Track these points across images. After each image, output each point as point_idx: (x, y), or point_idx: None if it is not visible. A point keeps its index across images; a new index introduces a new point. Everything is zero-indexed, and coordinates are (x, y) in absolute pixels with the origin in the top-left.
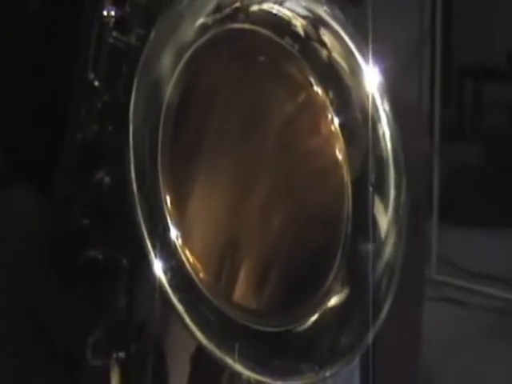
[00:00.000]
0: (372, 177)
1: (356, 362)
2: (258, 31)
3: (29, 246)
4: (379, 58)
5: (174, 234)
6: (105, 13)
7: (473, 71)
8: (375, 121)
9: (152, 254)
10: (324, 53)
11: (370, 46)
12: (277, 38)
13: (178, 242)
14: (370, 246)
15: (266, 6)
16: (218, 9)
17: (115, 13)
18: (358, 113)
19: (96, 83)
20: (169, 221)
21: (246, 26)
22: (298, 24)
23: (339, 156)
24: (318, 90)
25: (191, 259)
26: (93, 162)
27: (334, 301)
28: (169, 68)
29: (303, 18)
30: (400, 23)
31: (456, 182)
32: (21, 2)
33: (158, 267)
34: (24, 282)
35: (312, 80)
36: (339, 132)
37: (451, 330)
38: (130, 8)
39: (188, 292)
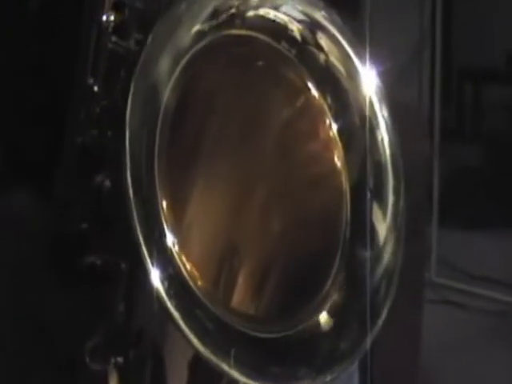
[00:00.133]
0: (370, 182)
1: (355, 366)
2: (255, 37)
3: (27, 249)
4: (378, 60)
5: (170, 240)
6: (104, 18)
7: (473, 72)
8: (374, 126)
9: (149, 262)
10: (321, 57)
11: (368, 49)
12: (274, 43)
13: (175, 249)
14: (368, 252)
15: (262, 12)
16: (215, 15)
17: (114, 18)
18: (356, 118)
19: (95, 88)
20: (165, 226)
21: (243, 31)
22: (295, 28)
23: (337, 161)
24: (315, 94)
25: (188, 266)
26: (92, 166)
27: (332, 306)
28: (166, 73)
29: (299, 22)
30: (400, 25)
31: (456, 183)
32: (20, 8)
33: (155, 276)
34: (22, 285)
35: (310, 84)
36: (337, 137)
37: (451, 333)
38: (128, 13)
39: (184, 299)
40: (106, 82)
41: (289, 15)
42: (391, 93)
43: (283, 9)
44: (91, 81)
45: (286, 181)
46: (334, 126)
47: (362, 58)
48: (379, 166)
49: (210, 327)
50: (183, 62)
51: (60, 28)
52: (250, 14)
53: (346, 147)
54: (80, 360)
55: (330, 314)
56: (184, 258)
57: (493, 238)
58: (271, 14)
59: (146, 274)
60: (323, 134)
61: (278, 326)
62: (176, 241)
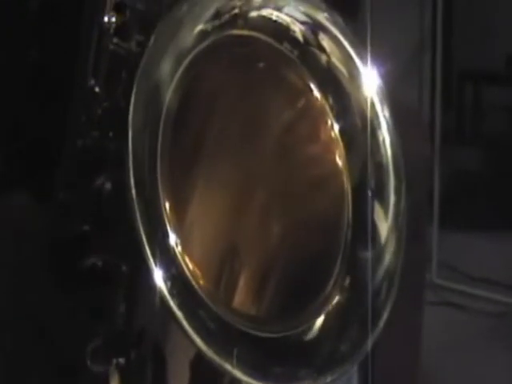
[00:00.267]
0: (372, 183)
1: (355, 367)
2: (257, 37)
3: (28, 250)
4: (379, 62)
5: (173, 240)
6: (105, 19)
7: (473, 74)
8: (375, 127)
9: (152, 262)
10: (323, 58)
11: (369, 50)
12: (276, 44)
13: (178, 249)
14: (369, 253)
15: (264, 12)
16: (217, 15)
17: (115, 19)
18: (357, 119)
19: (96, 89)
20: (168, 227)
21: (245, 32)
22: (297, 30)
23: (339, 162)
24: (317, 95)
25: (190, 266)
26: (93, 167)
27: (333, 307)
28: (168, 73)
29: (302, 23)
30: (400, 26)
31: (456, 185)
32: (20, 9)
33: (158, 276)
34: (23, 287)
35: (311, 85)
36: (339, 138)
37: (451, 334)
38: (130, 14)
39: (187, 298)
40: (107, 83)
41: (291, 16)
42: (392, 94)
43: (286, 10)
44: (92, 82)
45: (287, 182)
46: (336, 127)
47: (363, 58)
48: (381, 167)
49: (213, 327)
50: (186, 61)
51: (61, 29)
52: (253, 14)
53: (348, 148)
54: (81, 362)
55: (331, 315)
56: (187, 258)
57: (493, 239)
58: (274, 14)
59: (146, 275)
60: (325, 134)
61: (280, 326)
62: (179, 241)
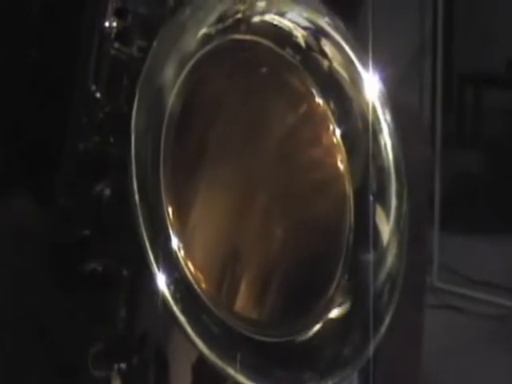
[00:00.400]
0: (373, 187)
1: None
2: (260, 42)
3: (29, 255)
4: (380, 67)
5: (175, 244)
6: (107, 24)
7: (473, 78)
8: (376, 131)
9: (155, 267)
10: (325, 63)
11: (370, 55)
12: (278, 49)
13: (180, 253)
14: (371, 256)
15: (267, 17)
16: (221, 19)
17: (117, 24)
18: (359, 123)
19: (97, 94)
20: (171, 231)
21: (248, 36)
22: (299, 35)
23: (341, 166)
24: (319, 100)
25: (193, 270)
26: (94, 172)
27: (335, 311)
28: (171, 78)
29: (304, 28)
30: (401, 32)
31: (457, 189)
32: (22, 13)
33: (161, 281)
34: (24, 291)
35: (313, 90)
36: (341, 142)
37: (452, 337)
38: (131, 19)
39: (190, 303)
40: (109, 88)
41: (294, 22)
42: (393, 98)
43: (288, 15)
44: (93, 87)
45: (289, 186)
46: (338, 132)
47: (364, 63)
48: (382, 171)
49: (216, 331)
50: (189, 66)
51: (62, 34)
52: (256, 19)
53: (350, 152)
54: (82, 367)
55: (334, 318)
56: (189, 262)
57: (493, 242)
58: (276, 20)
59: (147, 279)
60: (326, 139)
61: (282, 330)
62: (181, 245)
